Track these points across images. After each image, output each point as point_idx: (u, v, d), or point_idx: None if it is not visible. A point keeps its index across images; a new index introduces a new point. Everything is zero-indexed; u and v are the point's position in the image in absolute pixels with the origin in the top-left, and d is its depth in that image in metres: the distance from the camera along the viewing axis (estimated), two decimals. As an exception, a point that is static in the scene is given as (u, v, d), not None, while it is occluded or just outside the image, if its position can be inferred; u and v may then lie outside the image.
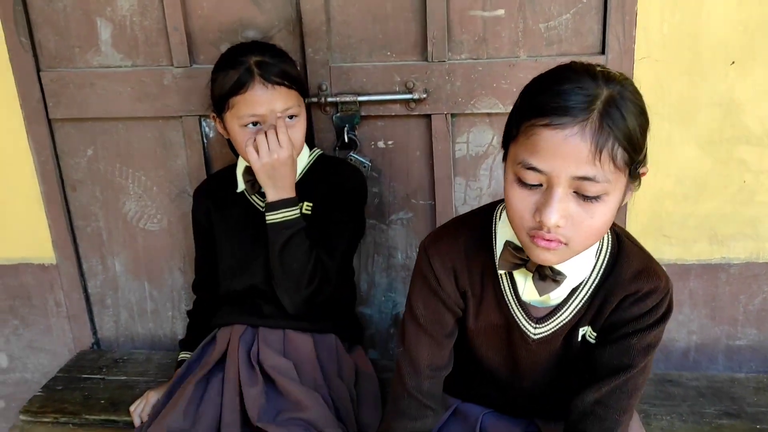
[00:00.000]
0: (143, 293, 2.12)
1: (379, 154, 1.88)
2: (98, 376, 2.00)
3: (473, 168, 1.86)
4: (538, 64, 1.71)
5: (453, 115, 1.81)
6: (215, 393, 1.61)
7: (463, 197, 1.89)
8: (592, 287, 1.21)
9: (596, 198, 1.01)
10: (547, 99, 1.01)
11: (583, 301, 1.22)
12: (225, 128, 1.65)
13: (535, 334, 1.25)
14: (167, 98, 1.87)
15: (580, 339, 1.25)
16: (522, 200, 1.05)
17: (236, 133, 1.59)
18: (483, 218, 1.28)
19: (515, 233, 1.12)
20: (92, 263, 2.11)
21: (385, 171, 1.89)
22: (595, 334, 1.24)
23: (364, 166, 1.85)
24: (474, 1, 1.71)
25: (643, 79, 1.68)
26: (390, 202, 1.92)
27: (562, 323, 1.24)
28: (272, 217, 1.61)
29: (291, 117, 1.59)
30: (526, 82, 1.66)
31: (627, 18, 1.66)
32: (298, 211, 1.61)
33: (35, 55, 1.90)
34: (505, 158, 1.12)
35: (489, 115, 1.79)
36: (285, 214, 1.60)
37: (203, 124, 1.91)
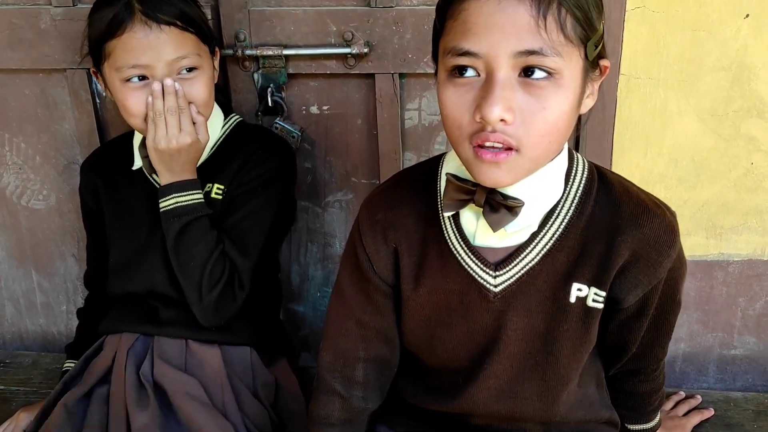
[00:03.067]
0: (30, 283, 1.77)
1: (312, 122, 1.53)
2: (-30, 385, 1.65)
3: (426, 141, 1.52)
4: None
5: (402, 76, 1.46)
6: (97, 418, 1.29)
7: (414, 176, 1.56)
8: (567, 217, 0.95)
9: (547, 77, 0.80)
10: None
11: (556, 236, 0.95)
12: (107, 86, 1.29)
13: (495, 285, 0.96)
14: (46, 46, 1.49)
15: (575, 301, 0.96)
16: (457, 99, 0.83)
17: (117, 89, 1.25)
18: (429, 164, 1.06)
19: (457, 151, 0.88)
20: (-34, 247, 1.74)
21: (319, 143, 1.55)
22: (603, 294, 0.96)
23: (293, 137, 1.50)
24: (429, -71, 1.36)
25: (636, 35, 1.37)
26: (326, 181, 1.58)
27: (530, 265, 0.95)
28: (165, 204, 1.28)
29: (189, 70, 1.24)
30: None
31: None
32: (198, 195, 1.28)
33: None
34: (437, 73, 0.89)
35: (446, 75, 1.45)
36: (179, 198, 1.27)
37: (94, 80, 1.54)
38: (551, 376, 1.01)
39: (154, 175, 1.34)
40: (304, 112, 1.52)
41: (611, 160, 1.47)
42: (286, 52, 1.43)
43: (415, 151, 1.53)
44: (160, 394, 1.29)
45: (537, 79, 0.80)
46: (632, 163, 1.47)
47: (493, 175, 0.84)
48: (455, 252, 0.97)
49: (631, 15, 1.37)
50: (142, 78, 1.22)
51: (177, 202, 1.27)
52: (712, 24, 1.35)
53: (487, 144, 0.82)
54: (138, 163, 1.36)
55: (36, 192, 1.66)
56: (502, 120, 0.80)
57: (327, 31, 1.43)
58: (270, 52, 1.43)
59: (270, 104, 1.48)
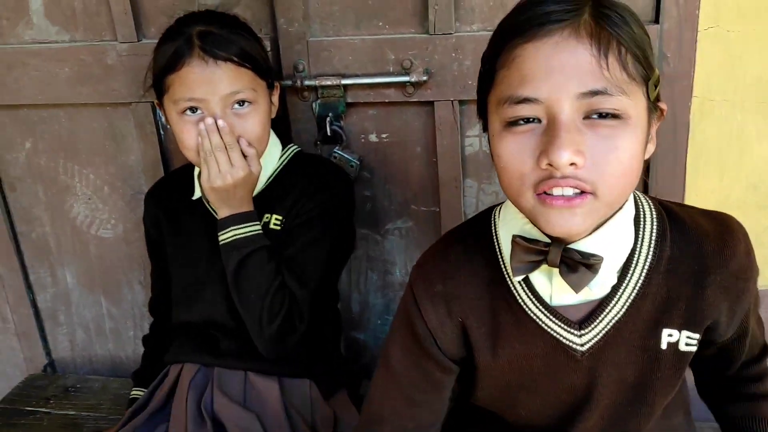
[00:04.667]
0: (100, 310, 1.81)
1: (371, 150, 1.52)
2: (43, 410, 1.70)
3: (488, 167, 1.49)
4: (572, 36, 1.33)
5: (462, 102, 1.43)
6: (159, 450, 1.31)
7: (475, 203, 1.52)
8: (647, 265, 0.89)
9: (615, 117, 0.76)
10: (523, 13, 0.79)
11: (638, 286, 0.89)
12: (167, 118, 1.31)
13: (581, 345, 0.91)
14: (113, 80, 1.53)
15: (666, 347, 0.90)
16: (517, 149, 0.79)
17: (174, 122, 1.26)
18: (479, 224, 0.99)
19: (517, 204, 0.83)
20: (40, 274, 1.80)
21: (378, 171, 1.53)
22: (696, 337, 0.90)
23: (352, 165, 1.49)
24: (489, -45, 1.33)
25: (710, 56, 1.30)
26: (385, 209, 1.56)
27: (616, 319, 0.90)
28: (223, 237, 1.28)
29: (242, 103, 1.24)
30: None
31: (690, -25, 1.26)
32: (256, 227, 1.28)
33: (-44, 30, 1.57)
34: (485, 128, 0.87)
35: (507, 101, 1.41)
36: (238, 231, 1.27)
37: (158, 112, 1.57)
38: (644, 421, 0.96)
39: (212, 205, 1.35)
40: (362, 140, 1.51)
41: (684, 185, 1.39)
42: (344, 81, 1.43)
43: (476, 178, 1.50)
44: (218, 429, 1.29)
45: (605, 119, 0.76)
46: (707, 188, 1.39)
47: (566, 222, 0.79)
48: (533, 315, 0.92)
49: (704, 35, 1.30)
50: (197, 111, 1.24)
51: (235, 235, 1.27)
52: (793, 42, 1.28)
53: (556, 192, 0.77)
54: (198, 192, 1.37)
55: (104, 221, 1.70)
56: (572, 164, 0.75)
57: (385, 59, 1.41)
58: (329, 82, 1.43)
59: (329, 133, 1.48)
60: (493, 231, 0.96)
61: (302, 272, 1.30)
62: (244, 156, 1.25)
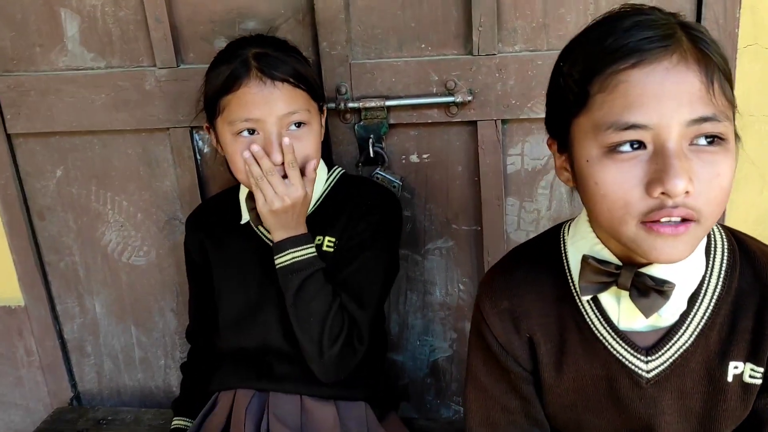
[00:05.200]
0: (129, 339, 1.78)
1: (411, 171, 1.52)
2: (76, 443, 1.66)
3: (529, 186, 1.50)
4: (614, 55, 1.35)
5: (504, 122, 1.45)
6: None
7: (516, 221, 1.53)
8: (716, 294, 0.90)
9: (718, 143, 0.77)
10: (619, 38, 0.78)
11: (707, 315, 0.90)
12: (218, 141, 1.30)
13: (647, 371, 0.91)
14: (150, 106, 1.52)
15: (732, 380, 0.90)
16: (622, 177, 0.78)
17: (228, 143, 1.26)
18: (546, 242, 1.00)
19: (615, 231, 0.81)
20: (68, 304, 1.76)
21: (419, 191, 1.54)
22: (760, 370, 0.90)
23: (394, 186, 1.49)
24: (532, -23, 1.36)
25: (749, 73, 1.33)
26: (426, 229, 1.57)
27: (683, 348, 0.90)
28: (281, 260, 1.27)
29: (298, 125, 1.24)
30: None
31: (730, -7, 1.30)
32: (312, 249, 1.27)
33: (-12, 57, 1.55)
34: (563, 149, 0.87)
35: (550, 120, 1.43)
36: (296, 254, 1.26)
37: (195, 137, 1.56)
38: None
39: (261, 227, 1.34)
40: (403, 161, 1.52)
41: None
42: (388, 103, 1.44)
43: (518, 197, 1.51)
44: (277, 455, 1.27)
45: (708, 144, 0.77)
46: (747, 201, 1.43)
47: (673, 249, 0.78)
48: (600, 337, 0.93)
49: (743, 52, 1.34)
50: (252, 132, 1.23)
51: (294, 258, 1.27)
52: (831, 58, 1.32)
53: (664, 220, 0.77)
54: (246, 216, 1.36)
55: (137, 248, 1.68)
56: (685, 192, 0.75)
57: (429, 80, 1.43)
58: (372, 104, 1.44)
59: (371, 155, 1.48)
60: (562, 249, 0.97)
61: (360, 293, 1.29)
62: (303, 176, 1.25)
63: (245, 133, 1.23)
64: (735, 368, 0.91)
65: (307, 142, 1.26)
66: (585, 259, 0.89)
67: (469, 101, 1.41)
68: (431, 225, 1.56)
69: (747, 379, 0.91)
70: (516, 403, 1.00)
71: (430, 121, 1.46)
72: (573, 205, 1.49)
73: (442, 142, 1.50)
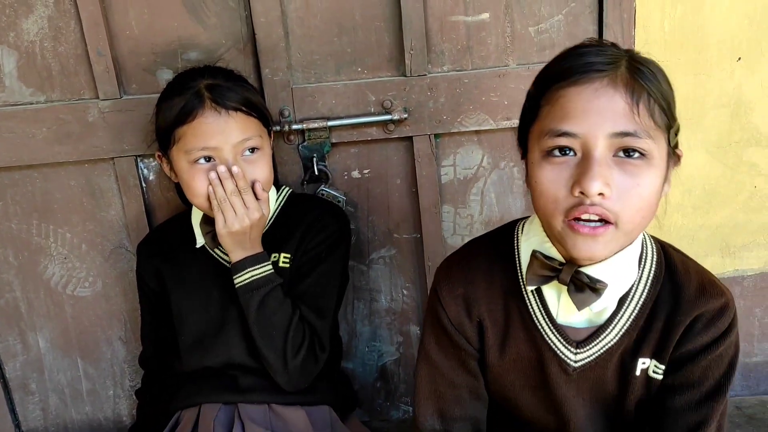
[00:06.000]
0: (76, 372, 1.76)
1: (353, 186, 1.62)
2: (29, 482, 1.62)
3: (462, 193, 1.64)
4: (531, 72, 1.50)
5: (437, 136, 1.58)
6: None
7: (452, 227, 1.66)
8: (641, 300, 1.03)
9: (641, 157, 0.90)
10: (569, 61, 0.94)
11: (633, 317, 1.03)
12: (172, 169, 1.35)
13: (575, 361, 1.05)
14: (94, 137, 1.55)
15: (639, 373, 1.05)
16: (554, 177, 0.92)
17: (184, 171, 1.31)
18: (502, 235, 1.13)
19: (548, 225, 0.96)
20: (9, 342, 1.73)
21: (361, 204, 1.64)
22: (662, 368, 1.04)
23: (339, 201, 1.59)
24: (455, 5, 1.50)
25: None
26: (369, 239, 1.67)
27: (608, 345, 1.04)
28: (241, 279, 1.33)
29: (252, 150, 1.32)
30: (518, 92, 1.50)
31: (625, 16, 1.49)
32: (269, 266, 1.34)
33: None
34: (524, 156, 1.01)
35: (477, 132, 1.58)
36: (254, 272, 1.33)
37: (141, 165, 1.60)
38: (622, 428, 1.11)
39: (217, 250, 1.40)
40: (346, 177, 1.62)
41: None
42: (330, 123, 1.53)
43: (452, 204, 1.64)
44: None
45: (632, 158, 0.89)
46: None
47: (590, 248, 0.91)
48: (539, 326, 1.06)
49: (639, 65, 1.53)
50: (208, 159, 1.30)
51: (253, 276, 1.33)
52: (710, 67, 1.54)
53: (584, 217, 0.89)
54: (200, 240, 1.41)
55: (81, 280, 1.68)
56: (600, 194, 0.87)
57: (367, 101, 1.54)
58: (315, 125, 1.53)
59: (316, 173, 1.57)
60: (515, 244, 1.09)
61: (319, 304, 1.37)
62: (257, 199, 1.32)
63: (201, 161, 1.29)
64: (643, 363, 1.05)
65: (262, 165, 1.33)
66: (534, 254, 1.02)
67: (405, 118, 1.53)
68: (374, 236, 1.67)
69: (651, 373, 1.05)
70: (462, 379, 1.12)
71: (369, 139, 1.57)
72: (500, 209, 1.64)
73: (381, 158, 1.61)
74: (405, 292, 1.71)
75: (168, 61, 1.52)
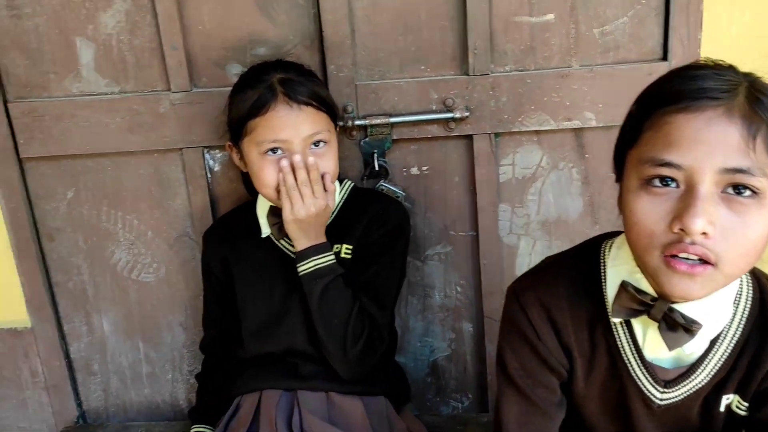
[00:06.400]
0: (137, 355, 1.83)
1: (412, 182, 1.65)
2: (91, 459, 1.69)
3: (519, 193, 1.65)
4: (594, 73, 1.52)
5: (497, 135, 1.60)
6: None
7: (509, 226, 1.68)
8: (734, 340, 0.98)
9: (752, 195, 0.81)
10: (680, 84, 0.85)
11: (723, 359, 0.99)
12: (242, 159, 1.40)
13: (661, 400, 1.02)
14: (164, 128, 1.60)
15: (723, 409, 1.02)
16: (652, 209, 0.84)
17: (254, 162, 1.35)
18: (586, 257, 1.06)
19: (641, 259, 0.89)
20: (75, 324, 1.80)
21: (419, 201, 1.66)
22: (745, 404, 1.01)
23: (398, 197, 1.62)
24: (520, 6, 1.51)
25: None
26: (425, 236, 1.69)
27: (697, 387, 1.01)
28: (304, 267, 1.37)
29: (318, 143, 1.36)
30: (580, 93, 1.50)
31: (692, 19, 1.49)
32: (332, 256, 1.38)
33: (1, 84, 1.60)
34: (619, 178, 0.94)
35: (538, 132, 1.59)
36: (318, 261, 1.37)
37: (207, 156, 1.65)
38: None
39: (282, 241, 1.44)
40: (405, 173, 1.64)
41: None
42: (392, 120, 1.56)
43: (509, 203, 1.65)
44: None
45: (741, 195, 0.81)
46: None
47: (686, 287, 0.84)
48: (626, 360, 1.01)
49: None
50: (277, 151, 1.34)
51: (316, 265, 1.37)
52: (777, 73, 1.52)
53: (683, 255, 0.82)
54: (266, 230, 1.46)
55: (146, 265, 1.74)
56: (703, 233, 0.80)
57: (429, 98, 1.56)
58: (378, 121, 1.56)
59: (376, 168, 1.60)
60: (601, 269, 1.02)
61: (379, 295, 1.41)
62: (325, 191, 1.36)
63: (271, 153, 1.33)
64: (727, 399, 1.00)
65: (329, 158, 1.37)
66: (624, 286, 0.95)
67: (466, 117, 1.55)
68: (430, 232, 1.69)
69: (734, 408, 1.02)
70: (549, 404, 1.06)
71: (429, 136, 1.60)
72: (557, 210, 1.65)
73: (440, 155, 1.63)
74: (459, 289, 1.73)
75: (237, 55, 1.57)
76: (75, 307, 1.78)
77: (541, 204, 1.65)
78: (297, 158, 1.31)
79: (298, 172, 1.31)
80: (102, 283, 1.76)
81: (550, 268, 1.10)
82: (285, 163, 1.31)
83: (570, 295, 1.03)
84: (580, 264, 1.05)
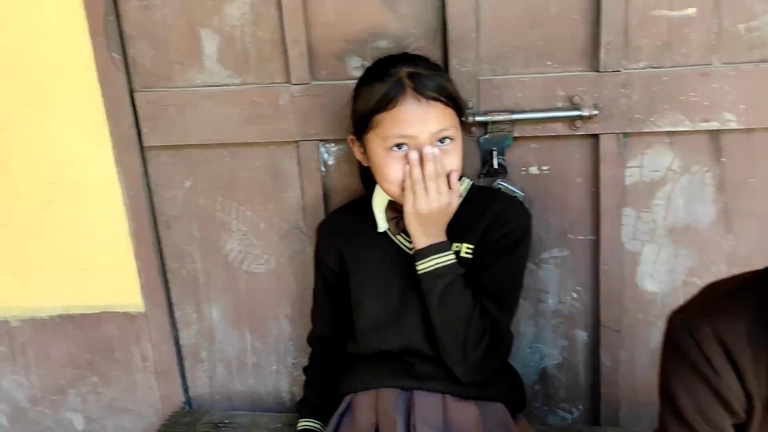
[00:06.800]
0: (244, 345, 1.84)
1: (530, 182, 1.59)
2: (200, 445, 1.71)
3: (646, 197, 1.56)
4: (737, 72, 1.42)
5: (625, 135, 1.52)
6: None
7: (632, 231, 1.59)
8: None
9: None
10: None
11: None
12: (365, 153, 1.38)
13: None
14: (282, 121, 1.60)
15: None
16: None
17: (378, 156, 1.32)
18: (759, 293, 0.92)
19: None
20: (186, 311, 1.83)
21: (537, 202, 1.60)
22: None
23: (517, 197, 1.56)
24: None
25: None
26: (542, 238, 1.63)
27: None
28: (424, 266, 1.33)
29: (444, 140, 1.32)
30: (721, 93, 1.40)
31: None
32: (452, 256, 1.34)
33: (128, 74, 1.64)
34: None
35: (670, 134, 1.50)
36: (438, 260, 1.33)
37: (322, 150, 1.64)
38: None
39: (399, 236, 1.41)
40: (523, 172, 1.58)
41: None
42: (514, 116, 1.51)
43: (635, 207, 1.57)
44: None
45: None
46: None
47: None
48: None
49: None
50: (402, 147, 1.30)
51: (436, 264, 1.33)
52: None
53: None
54: (383, 225, 1.43)
55: (257, 257, 1.75)
56: None
57: (555, 95, 1.50)
58: (500, 118, 1.51)
59: (495, 166, 1.55)
60: None
61: (501, 296, 1.36)
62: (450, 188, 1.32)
63: (395, 148, 1.30)
64: None
65: (454, 156, 1.33)
66: None
67: (594, 115, 1.48)
68: (547, 235, 1.62)
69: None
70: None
71: (553, 134, 1.53)
72: (687, 216, 1.55)
73: (562, 155, 1.56)
74: (574, 295, 1.66)
75: (358, 48, 1.55)
76: (186, 294, 1.81)
77: (669, 209, 1.56)
78: (428, 149, 1.27)
79: (427, 165, 1.27)
80: (213, 273, 1.78)
81: (726, 300, 0.97)
82: (414, 155, 1.28)
83: (751, 334, 0.91)
84: (760, 297, 0.92)
